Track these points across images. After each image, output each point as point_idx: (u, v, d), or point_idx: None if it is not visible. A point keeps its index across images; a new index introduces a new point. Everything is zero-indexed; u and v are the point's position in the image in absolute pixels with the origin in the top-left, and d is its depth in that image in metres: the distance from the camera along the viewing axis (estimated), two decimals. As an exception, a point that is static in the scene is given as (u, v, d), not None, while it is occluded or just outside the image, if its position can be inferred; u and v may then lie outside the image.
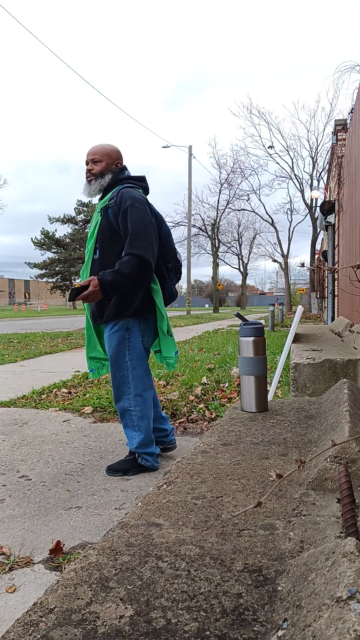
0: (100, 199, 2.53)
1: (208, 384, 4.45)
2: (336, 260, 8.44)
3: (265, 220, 29.64)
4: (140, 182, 2.54)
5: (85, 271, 2.50)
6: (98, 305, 2.48)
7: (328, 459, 1.17)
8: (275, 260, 30.70)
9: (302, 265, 1.87)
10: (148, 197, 2.59)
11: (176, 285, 2.70)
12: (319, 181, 24.21)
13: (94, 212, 2.56)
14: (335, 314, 8.21)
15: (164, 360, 2.60)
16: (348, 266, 4.25)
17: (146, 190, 2.56)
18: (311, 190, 23.88)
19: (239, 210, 32.98)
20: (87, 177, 2.51)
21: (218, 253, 35.75)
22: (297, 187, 25.66)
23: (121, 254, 2.35)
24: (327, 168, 17.76)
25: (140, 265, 2.26)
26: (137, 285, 2.32)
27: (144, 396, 2.46)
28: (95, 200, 2.64)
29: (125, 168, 2.56)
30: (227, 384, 4.45)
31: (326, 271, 10.09)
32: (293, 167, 28.72)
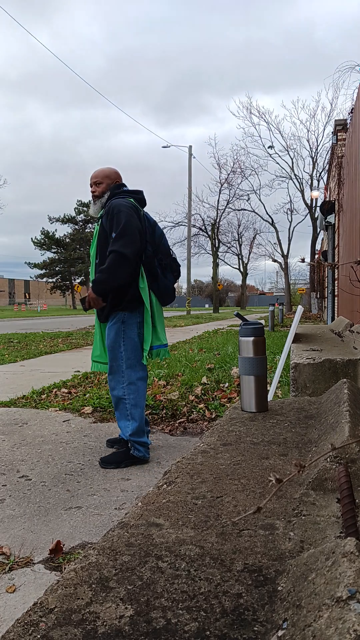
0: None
1: (208, 384, 4.45)
2: (336, 260, 8.44)
3: (265, 220, 29.57)
4: (135, 195, 2.78)
5: (91, 273, 2.78)
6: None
7: (328, 459, 1.17)
8: (275, 260, 30.64)
9: (303, 260, 1.89)
10: (146, 208, 2.85)
11: (176, 285, 2.82)
12: (319, 181, 24.18)
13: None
14: (335, 314, 8.21)
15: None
16: (348, 262, 4.25)
17: (142, 202, 2.80)
18: (311, 190, 23.82)
19: (239, 210, 32.91)
20: (92, 198, 2.82)
21: (218, 253, 35.69)
22: (297, 187, 25.57)
23: None
24: (327, 168, 17.75)
25: (118, 259, 2.52)
26: (117, 275, 2.55)
27: (137, 385, 2.65)
28: None
29: (122, 185, 2.83)
30: (227, 384, 4.45)
31: (326, 271, 10.10)
32: (293, 167, 28.53)
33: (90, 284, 2.63)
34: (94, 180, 2.79)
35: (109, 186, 2.78)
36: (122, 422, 2.65)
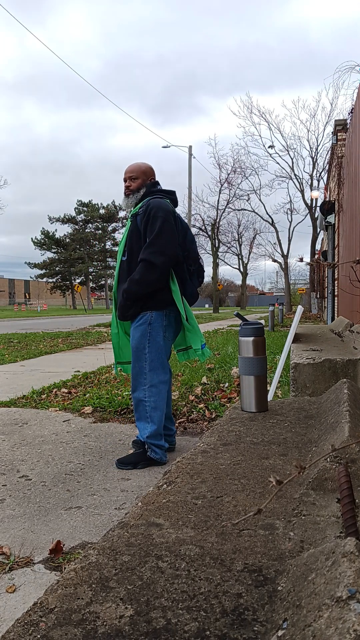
0: (133, 208, 2.78)
1: (208, 384, 4.45)
2: (336, 260, 8.44)
3: (265, 220, 29.52)
4: (170, 195, 2.78)
5: (116, 269, 2.78)
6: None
7: (328, 459, 1.17)
8: (275, 260, 30.62)
9: (301, 259, 1.89)
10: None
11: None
12: (319, 181, 24.14)
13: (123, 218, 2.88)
14: (335, 314, 8.21)
15: (194, 353, 2.76)
16: (348, 261, 4.25)
17: (174, 203, 2.78)
18: (311, 190, 23.80)
19: (239, 210, 32.86)
20: (125, 192, 2.77)
21: (218, 253, 35.68)
22: (297, 187, 25.51)
23: None
24: (327, 168, 17.74)
25: (148, 269, 2.52)
26: (147, 285, 2.56)
27: (159, 388, 2.62)
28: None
29: (157, 183, 2.81)
30: (227, 384, 4.45)
31: (326, 271, 10.09)
32: (293, 167, 28.48)
33: (116, 291, 2.64)
34: (129, 175, 2.76)
35: (145, 182, 2.76)
36: (141, 423, 2.63)
